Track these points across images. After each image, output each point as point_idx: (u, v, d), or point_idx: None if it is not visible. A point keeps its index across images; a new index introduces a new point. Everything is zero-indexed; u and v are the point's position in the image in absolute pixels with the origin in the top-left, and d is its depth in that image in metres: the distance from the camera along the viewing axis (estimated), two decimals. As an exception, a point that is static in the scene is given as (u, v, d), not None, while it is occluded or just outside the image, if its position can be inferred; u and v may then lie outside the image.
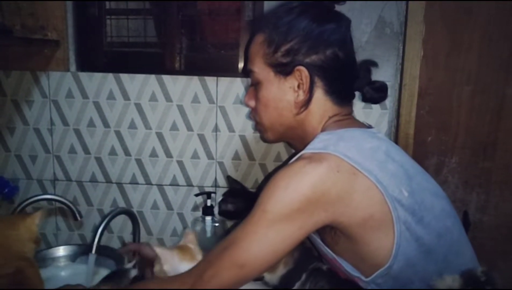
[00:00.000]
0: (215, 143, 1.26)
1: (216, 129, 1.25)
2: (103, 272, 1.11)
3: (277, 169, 0.82)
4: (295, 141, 0.91)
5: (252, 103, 0.89)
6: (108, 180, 1.29)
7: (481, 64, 1.21)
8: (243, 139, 1.25)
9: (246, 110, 1.23)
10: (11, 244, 0.76)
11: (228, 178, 1.24)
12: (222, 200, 1.14)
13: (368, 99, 0.92)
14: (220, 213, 1.15)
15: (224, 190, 1.26)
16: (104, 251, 1.12)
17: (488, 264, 1.25)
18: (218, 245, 0.75)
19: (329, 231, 0.76)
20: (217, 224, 1.19)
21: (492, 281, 0.61)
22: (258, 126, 0.92)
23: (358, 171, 0.70)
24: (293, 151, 1.22)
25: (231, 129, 1.25)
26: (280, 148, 1.24)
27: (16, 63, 1.24)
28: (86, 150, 1.28)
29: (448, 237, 0.74)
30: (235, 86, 1.22)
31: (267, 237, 0.70)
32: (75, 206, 1.16)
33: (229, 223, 1.27)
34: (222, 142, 1.25)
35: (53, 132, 1.27)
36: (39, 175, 1.30)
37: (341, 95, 0.85)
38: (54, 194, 1.26)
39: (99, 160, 1.28)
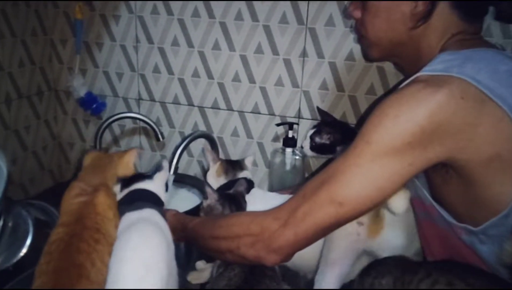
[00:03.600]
0: (301, 70, 1.16)
1: (303, 54, 1.14)
2: (181, 193, 1.15)
3: (384, 96, 0.71)
4: (404, 62, 0.79)
5: (358, 13, 0.78)
6: (190, 103, 1.27)
7: None
8: (332, 66, 1.13)
9: (339, 33, 1.10)
10: (108, 181, 0.76)
11: (318, 109, 1.14)
12: (315, 132, 1.02)
13: (503, 18, 0.75)
14: (312, 147, 1.03)
15: (308, 122, 1.19)
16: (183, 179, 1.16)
17: None
18: (315, 178, 0.67)
19: (439, 169, 0.65)
20: (297, 157, 1.12)
21: None
22: (362, 41, 0.81)
23: (488, 99, 0.58)
24: (396, 81, 1.09)
25: (320, 54, 1.13)
26: (374, 79, 1.11)
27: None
28: (170, 70, 1.26)
29: None
30: (328, 6, 1.09)
31: (371, 171, 0.61)
32: (158, 127, 1.16)
33: (311, 160, 1.20)
34: (309, 69, 1.15)
35: (138, 49, 1.26)
36: (125, 93, 1.32)
37: (470, 9, 0.70)
38: (139, 113, 1.27)
39: (182, 82, 1.26)
